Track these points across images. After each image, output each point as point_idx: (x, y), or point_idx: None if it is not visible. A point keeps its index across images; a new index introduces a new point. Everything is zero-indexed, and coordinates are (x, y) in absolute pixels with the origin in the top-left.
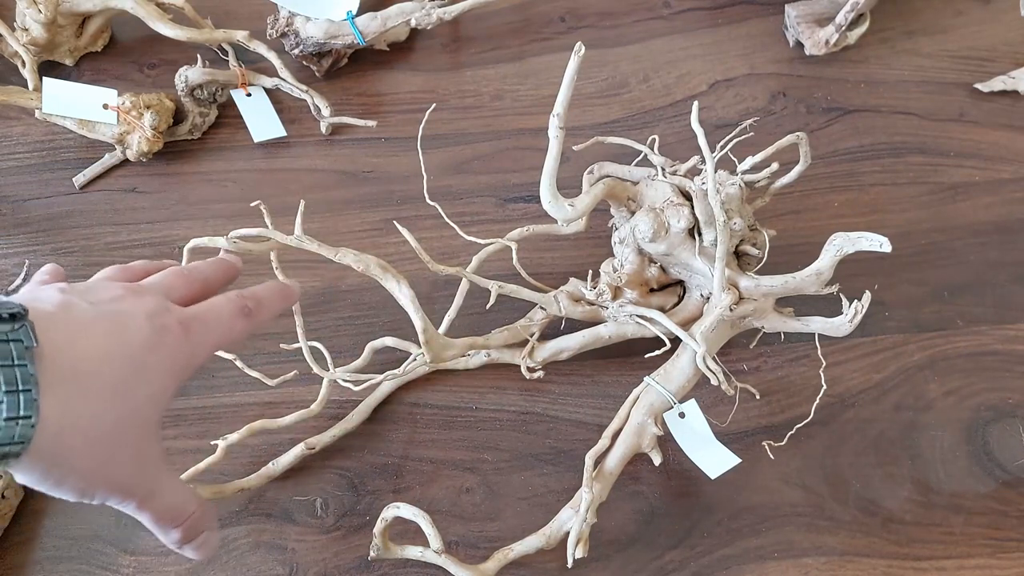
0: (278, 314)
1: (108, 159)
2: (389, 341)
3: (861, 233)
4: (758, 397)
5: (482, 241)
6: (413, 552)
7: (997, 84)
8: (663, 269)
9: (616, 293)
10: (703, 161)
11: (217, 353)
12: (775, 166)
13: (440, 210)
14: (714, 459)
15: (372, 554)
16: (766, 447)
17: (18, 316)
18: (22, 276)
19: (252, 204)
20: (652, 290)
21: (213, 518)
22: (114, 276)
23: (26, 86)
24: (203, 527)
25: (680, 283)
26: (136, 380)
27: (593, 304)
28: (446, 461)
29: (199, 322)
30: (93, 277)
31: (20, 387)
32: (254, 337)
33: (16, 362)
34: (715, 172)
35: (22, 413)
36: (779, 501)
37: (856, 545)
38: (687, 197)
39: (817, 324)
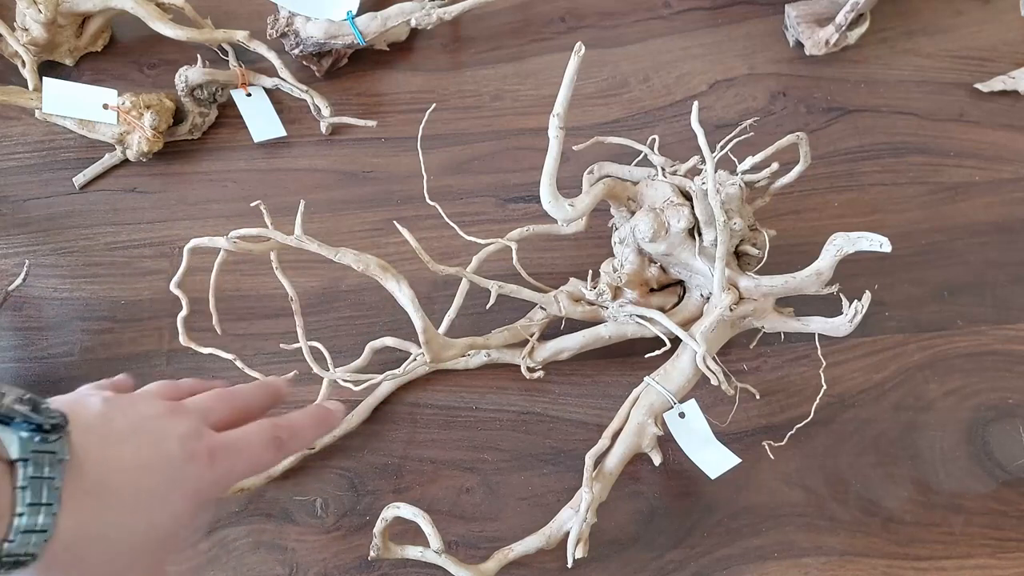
0: (314, 442)
1: (108, 159)
2: (389, 341)
3: (861, 233)
4: (758, 397)
5: (482, 241)
6: (413, 552)
7: (997, 84)
8: (663, 269)
9: (616, 293)
10: (703, 161)
11: (217, 353)
12: (775, 166)
13: (440, 210)
14: (714, 459)
15: (372, 554)
16: (766, 447)
17: (58, 427)
18: (22, 276)
19: (252, 204)
20: (652, 290)
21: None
22: (160, 392)
23: (26, 86)
24: None
25: (680, 283)
26: (157, 498)
27: (593, 304)
28: (446, 461)
29: (228, 451)
30: (142, 389)
31: (44, 501)
32: (254, 337)
33: (46, 475)
34: (715, 172)
35: (39, 527)
36: (779, 501)
37: (856, 545)
38: (687, 197)
39: (817, 324)
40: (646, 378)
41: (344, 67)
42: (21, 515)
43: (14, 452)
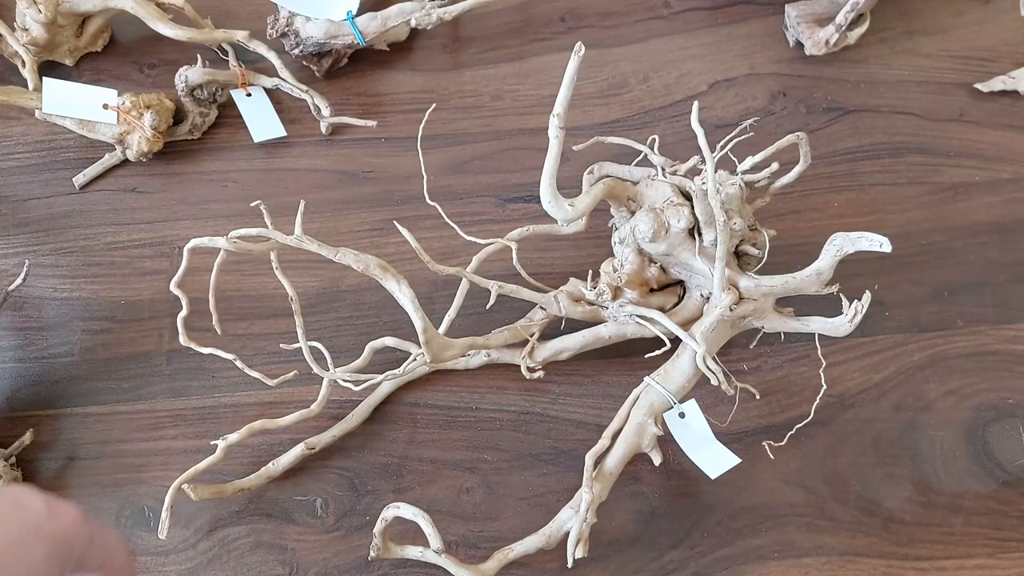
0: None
1: (108, 159)
2: (389, 341)
3: (861, 233)
4: (758, 397)
5: (482, 241)
6: (413, 552)
7: (997, 84)
8: (663, 269)
9: (616, 293)
10: (703, 161)
11: (216, 353)
12: (775, 166)
13: (440, 210)
14: (714, 459)
15: (372, 554)
16: (766, 447)
17: None
18: (22, 276)
19: (252, 204)
20: (652, 290)
21: None
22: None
23: (26, 86)
24: None
25: (680, 283)
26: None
27: (593, 304)
28: (446, 461)
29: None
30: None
31: None
32: (254, 337)
33: None
34: (715, 172)
35: None
36: (779, 501)
37: (856, 545)
38: (687, 197)
39: (817, 324)
40: (646, 378)
41: (344, 67)
42: None
43: None
